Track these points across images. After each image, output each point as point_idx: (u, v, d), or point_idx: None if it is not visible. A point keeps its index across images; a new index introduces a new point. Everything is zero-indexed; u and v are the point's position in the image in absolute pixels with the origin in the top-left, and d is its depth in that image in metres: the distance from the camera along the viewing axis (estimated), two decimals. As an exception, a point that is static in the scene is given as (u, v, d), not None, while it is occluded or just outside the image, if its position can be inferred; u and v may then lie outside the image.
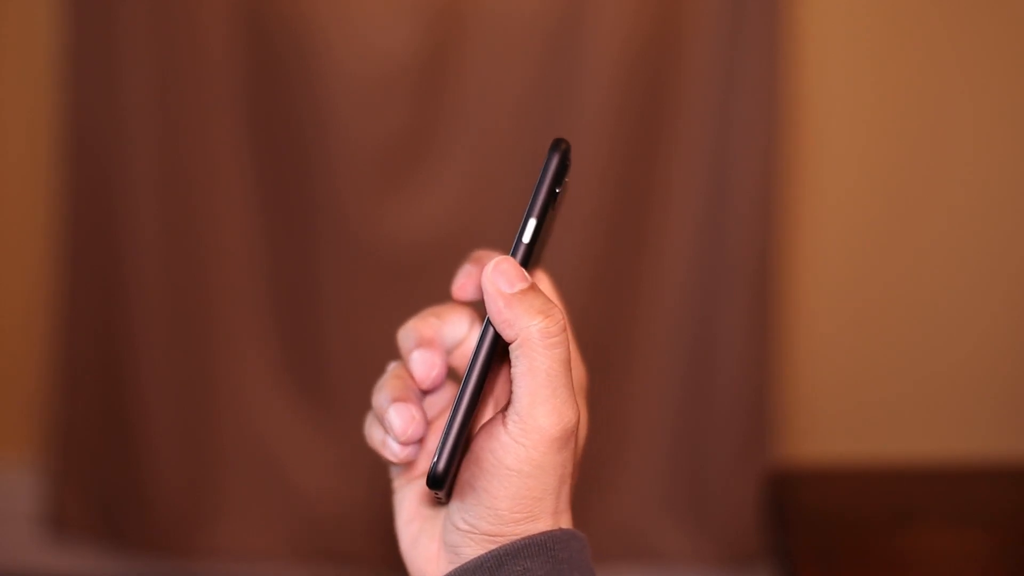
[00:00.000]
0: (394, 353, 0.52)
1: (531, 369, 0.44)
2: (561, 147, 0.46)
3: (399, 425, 0.47)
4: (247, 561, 1.60)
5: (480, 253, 0.51)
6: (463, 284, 0.50)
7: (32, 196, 1.58)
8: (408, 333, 0.50)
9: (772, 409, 1.52)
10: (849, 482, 1.25)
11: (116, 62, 1.47)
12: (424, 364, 0.49)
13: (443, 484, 0.45)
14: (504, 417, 0.45)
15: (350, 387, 1.55)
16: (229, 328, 1.55)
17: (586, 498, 1.55)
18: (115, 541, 1.61)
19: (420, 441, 0.48)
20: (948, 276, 1.54)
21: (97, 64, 1.47)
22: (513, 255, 0.46)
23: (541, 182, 0.46)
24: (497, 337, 0.45)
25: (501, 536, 0.45)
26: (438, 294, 0.53)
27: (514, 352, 0.44)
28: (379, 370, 0.51)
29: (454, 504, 0.46)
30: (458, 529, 0.46)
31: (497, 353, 0.46)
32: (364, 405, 0.51)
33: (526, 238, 0.46)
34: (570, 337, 0.50)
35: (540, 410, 0.44)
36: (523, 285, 0.45)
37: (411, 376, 0.49)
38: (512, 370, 0.45)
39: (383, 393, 0.48)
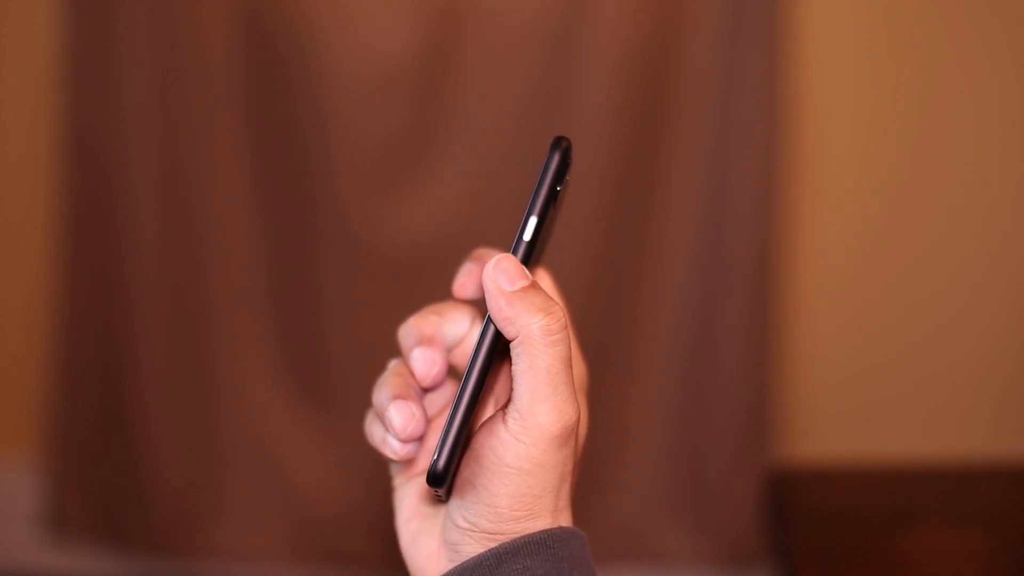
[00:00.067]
0: (394, 352, 0.52)
1: (532, 366, 0.44)
2: (562, 145, 0.46)
3: (399, 422, 0.47)
4: (247, 561, 1.60)
5: (481, 251, 0.51)
6: (464, 283, 0.50)
7: (32, 196, 1.58)
8: (409, 331, 0.50)
9: (772, 409, 1.52)
10: (849, 482, 1.25)
11: (116, 62, 1.47)
12: (425, 362, 0.49)
13: (443, 482, 0.45)
14: (504, 414, 0.45)
15: (350, 387, 1.55)
16: (229, 328, 1.55)
17: (586, 498, 1.55)
18: (115, 541, 1.61)
19: (420, 439, 0.48)
20: (948, 276, 1.54)
21: (97, 64, 1.47)
22: (514, 253, 0.46)
23: (542, 180, 0.46)
24: (497, 335, 0.45)
25: (501, 534, 0.45)
26: (438, 294, 0.53)
27: (515, 350, 0.44)
28: (379, 370, 0.51)
29: (454, 502, 0.46)
30: (458, 527, 0.46)
31: (497, 351, 0.46)
32: (364, 405, 0.50)
33: (527, 236, 0.46)
34: (571, 335, 0.50)
35: (541, 407, 0.44)
36: (524, 283, 0.45)
37: (412, 374, 0.49)
38: (513, 368, 0.45)
39: (384, 390, 0.48)
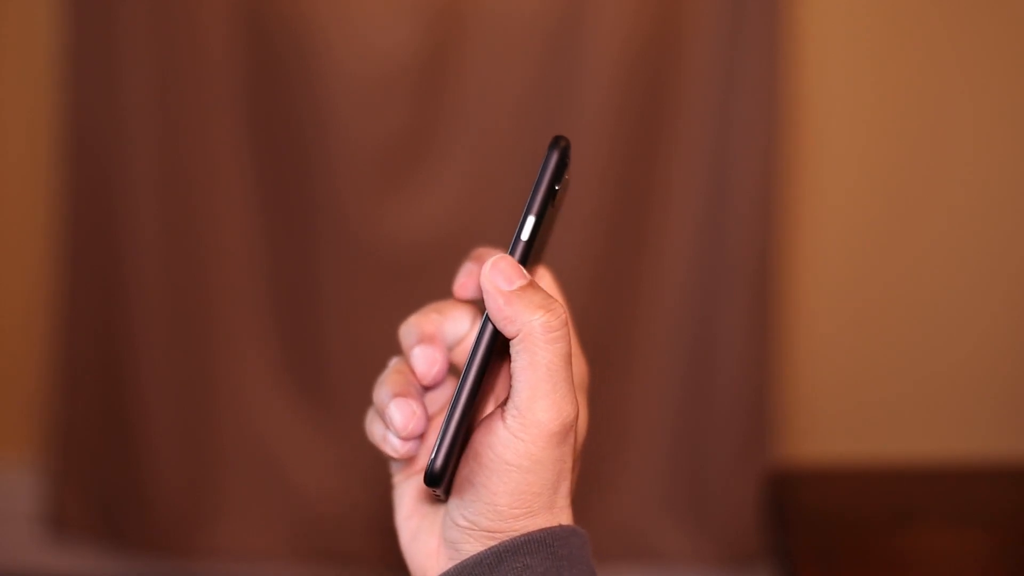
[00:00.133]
0: (394, 352, 0.52)
1: (531, 364, 0.44)
2: (560, 144, 0.46)
3: (400, 420, 0.47)
4: (247, 561, 1.60)
5: (481, 251, 0.51)
6: (464, 282, 0.50)
7: (32, 196, 1.58)
8: (410, 329, 0.50)
9: (772, 409, 1.52)
10: (849, 482, 1.25)
11: (116, 62, 1.47)
12: (425, 360, 0.49)
13: (440, 481, 0.45)
14: (503, 412, 0.45)
15: (350, 387, 1.55)
16: (229, 328, 1.55)
17: (586, 498, 1.55)
18: (115, 541, 1.61)
19: (421, 437, 0.48)
20: (948, 276, 1.54)
21: (97, 64, 1.47)
22: (511, 253, 0.46)
23: (540, 179, 0.46)
24: (495, 334, 0.45)
25: (501, 532, 0.45)
26: (438, 294, 0.53)
27: (515, 347, 0.44)
28: (380, 369, 0.51)
29: (453, 501, 0.46)
30: (457, 525, 0.46)
31: (496, 351, 0.46)
32: (364, 405, 0.51)
33: (524, 235, 0.46)
34: (572, 333, 0.50)
35: (539, 404, 0.44)
36: (522, 282, 0.45)
37: (412, 372, 0.49)
38: (512, 365, 0.45)
39: (384, 388, 0.48)
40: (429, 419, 0.49)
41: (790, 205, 1.50)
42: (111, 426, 1.57)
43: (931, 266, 1.54)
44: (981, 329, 1.54)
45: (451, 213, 1.50)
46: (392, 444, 0.48)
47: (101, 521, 1.61)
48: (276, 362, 1.57)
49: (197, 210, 1.52)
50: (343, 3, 1.46)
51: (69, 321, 1.54)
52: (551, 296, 0.45)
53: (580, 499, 0.49)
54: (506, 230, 1.41)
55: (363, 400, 0.50)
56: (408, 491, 0.51)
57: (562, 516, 0.46)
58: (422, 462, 0.50)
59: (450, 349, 0.51)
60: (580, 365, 0.52)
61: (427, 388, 0.50)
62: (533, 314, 0.44)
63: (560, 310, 0.44)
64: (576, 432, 0.46)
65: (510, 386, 0.45)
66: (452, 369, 0.51)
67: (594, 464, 1.54)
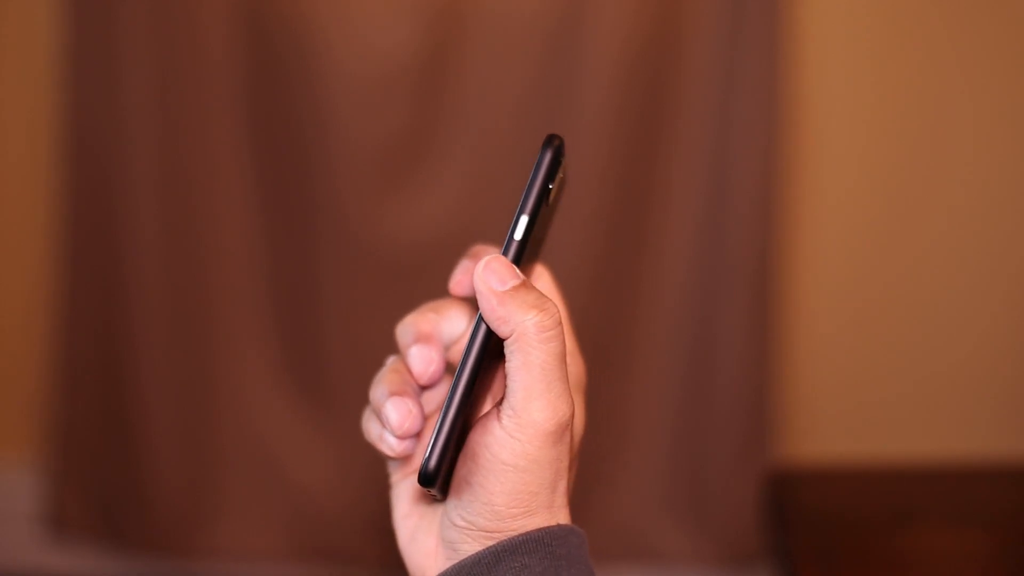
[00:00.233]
0: (393, 351, 0.52)
1: (526, 363, 0.44)
2: (554, 143, 0.46)
3: (396, 419, 0.47)
4: (247, 561, 1.60)
5: (477, 248, 0.51)
6: (460, 280, 0.50)
7: (32, 196, 1.58)
8: (406, 328, 0.50)
9: (772, 409, 1.52)
10: (849, 482, 1.25)
11: (116, 62, 1.47)
12: (422, 359, 0.49)
13: (434, 481, 0.45)
14: (499, 412, 0.45)
15: (350, 387, 1.55)
16: (229, 328, 1.55)
17: (586, 498, 1.55)
18: (115, 541, 1.61)
19: (417, 436, 0.48)
20: (948, 276, 1.53)
21: (97, 64, 1.48)
22: (505, 252, 0.46)
23: (533, 178, 0.46)
24: (488, 334, 0.45)
25: (498, 532, 0.45)
26: (438, 294, 0.53)
27: (509, 347, 0.44)
28: (378, 369, 0.51)
29: (451, 501, 0.46)
30: (455, 525, 0.46)
31: (491, 351, 0.46)
32: (364, 405, 0.50)
33: (518, 235, 0.46)
34: (570, 332, 0.50)
35: (535, 404, 0.44)
36: (515, 282, 0.45)
37: (409, 371, 0.49)
38: (507, 365, 0.45)
39: (381, 387, 0.48)
40: (425, 418, 0.49)
41: (790, 205, 1.50)
42: (111, 426, 1.57)
43: (931, 266, 1.54)
44: (981, 329, 1.54)
45: (451, 213, 1.50)
46: (388, 443, 0.48)
47: (101, 521, 1.61)
48: (276, 362, 1.57)
49: (197, 210, 1.52)
50: (343, 3, 1.46)
51: (69, 321, 1.54)
52: (544, 296, 0.45)
53: (580, 499, 0.49)
54: (505, 230, 1.41)
55: (363, 400, 0.50)
56: (405, 491, 0.50)
57: (560, 515, 0.46)
58: (419, 461, 0.50)
59: (447, 348, 0.51)
60: (578, 365, 0.51)
61: (424, 387, 0.50)
62: (526, 314, 0.44)
63: (554, 309, 0.44)
64: (573, 431, 0.46)
65: (505, 386, 0.45)
66: (449, 368, 0.51)
67: (594, 464, 1.54)
